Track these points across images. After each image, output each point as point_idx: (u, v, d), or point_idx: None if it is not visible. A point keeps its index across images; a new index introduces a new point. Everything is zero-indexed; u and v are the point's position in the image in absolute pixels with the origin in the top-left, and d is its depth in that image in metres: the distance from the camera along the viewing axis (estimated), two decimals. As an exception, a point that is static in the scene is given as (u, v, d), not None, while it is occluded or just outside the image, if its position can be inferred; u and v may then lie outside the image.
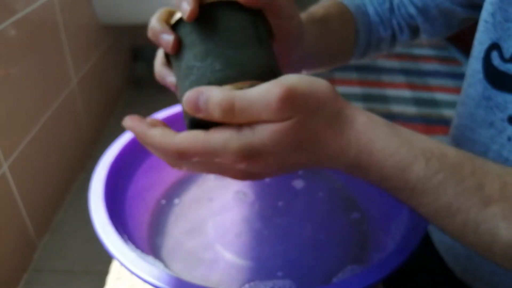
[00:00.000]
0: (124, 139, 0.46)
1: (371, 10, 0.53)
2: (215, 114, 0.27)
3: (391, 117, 1.62)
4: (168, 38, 0.31)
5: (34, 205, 0.77)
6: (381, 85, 1.83)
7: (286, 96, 0.26)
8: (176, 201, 0.50)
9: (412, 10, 0.52)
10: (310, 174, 0.53)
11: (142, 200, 0.48)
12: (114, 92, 1.22)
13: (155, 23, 0.32)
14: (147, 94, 1.29)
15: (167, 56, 0.35)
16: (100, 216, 0.38)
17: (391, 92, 1.79)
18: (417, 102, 1.72)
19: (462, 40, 2.07)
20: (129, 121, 0.30)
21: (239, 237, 0.45)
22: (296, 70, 0.46)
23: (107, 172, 0.42)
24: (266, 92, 0.26)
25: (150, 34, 0.32)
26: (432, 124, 1.60)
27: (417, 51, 2.13)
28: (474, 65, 0.42)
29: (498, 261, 0.30)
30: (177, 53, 0.32)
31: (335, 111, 0.28)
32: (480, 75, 0.41)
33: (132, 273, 0.33)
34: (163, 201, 0.50)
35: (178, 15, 0.31)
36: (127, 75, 1.31)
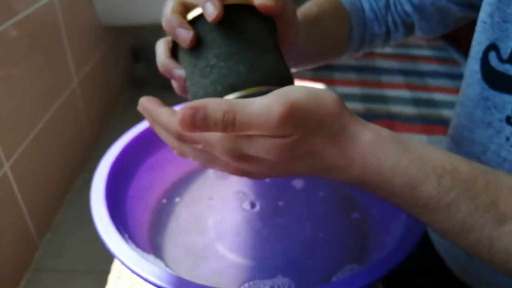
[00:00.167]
0: (125, 139, 0.46)
1: (366, 6, 0.53)
2: (216, 129, 0.26)
3: (390, 117, 1.62)
4: (187, 33, 0.30)
5: (35, 204, 0.77)
6: (381, 86, 1.83)
7: (287, 114, 0.25)
8: (177, 200, 0.50)
9: (408, 8, 0.52)
10: (310, 174, 0.54)
11: (142, 199, 0.48)
12: (115, 92, 1.22)
13: (171, 15, 0.31)
14: (147, 94, 1.27)
15: (174, 49, 0.34)
16: (101, 216, 0.38)
17: (390, 92, 1.79)
18: (416, 102, 1.73)
19: (461, 41, 2.07)
20: (144, 99, 0.31)
21: (239, 237, 0.46)
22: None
23: (108, 172, 0.43)
24: (267, 108, 0.25)
25: (166, 26, 0.31)
26: (431, 124, 1.60)
27: (416, 51, 2.13)
28: (472, 66, 0.42)
29: None
30: (193, 49, 0.31)
31: (338, 128, 0.28)
32: (478, 76, 0.41)
33: (133, 272, 0.33)
34: (164, 201, 0.50)
35: (197, 11, 0.31)
36: (128, 75, 1.31)
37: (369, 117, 1.61)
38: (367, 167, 0.28)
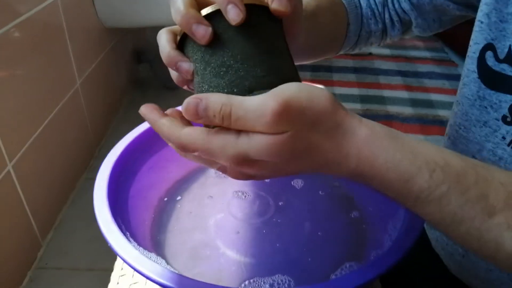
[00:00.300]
0: (127, 139, 0.47)
1: (364, 2, 0.53)
2: (215, 120, 0.27)
3: (388, 117, 1.63)
4: (205, 30, 0.29)
5: (38, 203, 0.78)
6: (379, 87, 1.84)
7: (281, 110, 0.26)
8: (178, 199, 0.51)
9: (406, 5, 0.52)
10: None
11: (144, 198, 0.49)
12: (117, 93, 1.22)
13: (187, 10, 0.30)
14: (150, 95, 1.30)
15: (182, 42, 0.33)
16: (103, 214, 0.38)
17: (388, 93, 1.80)
18: (414, 103, 1.73)
19: (458, 42, 2.08)
20: (144, 108, 0.31)
21: (240, 235, 0.46)
22: None
23: (111, 171, 0.43)
24: (261, 104, 0.26)
25: (181, 20, 0.30)
26: (428, 124, 1.61)
27: (413, 53, 2.14)
28: (469, 65, 0.43)
29: (502, 268, 0.30)
30: (207, 45, 0.30)
31: (333, 124, 0.28)
32: (475, 75, 0.42)
33: (135, 270, 0.34)
34: (165, 200, 0.50)
35: (212, 7, 0.30)
36: (130, 76, 1.32)
37: (368, 117, 1.60)
38: (362, 161, 0.28)
